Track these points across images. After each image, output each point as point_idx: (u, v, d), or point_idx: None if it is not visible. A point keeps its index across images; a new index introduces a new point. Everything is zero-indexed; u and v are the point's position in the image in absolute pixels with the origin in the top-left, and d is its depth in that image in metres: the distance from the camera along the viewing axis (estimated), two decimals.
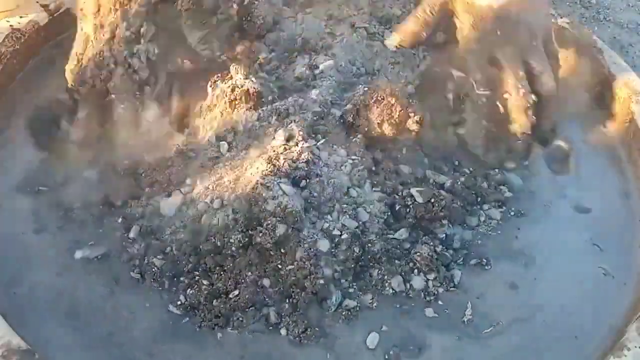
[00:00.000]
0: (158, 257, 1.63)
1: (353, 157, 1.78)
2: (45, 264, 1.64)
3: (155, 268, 1.62)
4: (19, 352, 1.35)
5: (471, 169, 1.92)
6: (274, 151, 1.74)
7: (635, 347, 1.46)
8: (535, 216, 1.84)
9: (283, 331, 1.54)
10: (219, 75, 1.91)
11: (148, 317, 1.56)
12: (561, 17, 2.26)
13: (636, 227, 1.83)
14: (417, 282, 1.65)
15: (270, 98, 1.89)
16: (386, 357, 1.52)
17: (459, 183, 1.84)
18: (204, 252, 1.63)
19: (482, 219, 1.81)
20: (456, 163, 1.94)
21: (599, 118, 2.11)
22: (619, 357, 1.45)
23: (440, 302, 1.63)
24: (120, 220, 1.73)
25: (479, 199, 1.85)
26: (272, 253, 1.63)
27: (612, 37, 2.84)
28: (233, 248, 1.62)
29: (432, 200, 1.73)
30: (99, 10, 1.77)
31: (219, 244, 1.63)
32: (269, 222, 1.61)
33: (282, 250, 1.63)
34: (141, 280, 1.61)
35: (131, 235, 1.69)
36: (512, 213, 1.84)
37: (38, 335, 1.47)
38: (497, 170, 1.92)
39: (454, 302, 1.63)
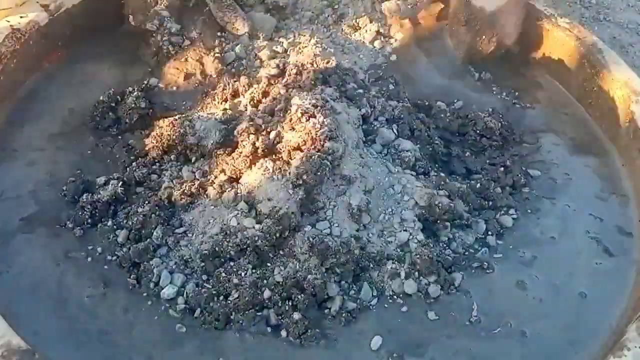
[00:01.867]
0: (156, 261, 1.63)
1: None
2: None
3: (152, 274, 1.61)
4: (19, 352, 1.34)
5: (487, 172, 1.92)
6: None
7: (635, 347, 1.46)
8: (541, 216, 1.85)
9: (283, 333, 1.54)
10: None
11: (146, 320, 1.55)
12: (561, 17, 2.26)
13: (635, 228, 1.84)
14: (418, 284, 1.65)
15: None
16: (389, 359, 1.52)
17: (465, 187, 1.83)
18: (203, 255, 1.64)
19: (491, 223, 1.80)
20: (473, 168, 1.94)
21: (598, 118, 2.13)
22: (619, 357, 1.45)
23: (440, 305, 1.63)
24: (110, 223, 1.72)
25: (489, 203, 1.85)
26: (270, 255, 1.63)
27: (612, 37, 2.83)
28: (232, 252, 1.63)
29: (436, 202, 1.73)
30: None
31: (217, 248, 1.64)
32: (265, 224, 1.62)
33: (281, 252, 1.63)
34: (137, 286, 1.61)
35: (119, 239, 1.68)
36: (525, 213, 1.84)
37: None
38: (519, 174, 1.92)
39: (455, 304, 1.63)
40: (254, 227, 1.63)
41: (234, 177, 1.75)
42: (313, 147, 1.69)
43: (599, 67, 2.11)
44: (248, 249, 1.62)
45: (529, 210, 1.86)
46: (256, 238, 1.60)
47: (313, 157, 1.66)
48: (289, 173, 1.67)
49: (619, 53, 2.40)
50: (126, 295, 1.59)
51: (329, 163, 1.68)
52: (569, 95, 2.23)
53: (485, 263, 1.71)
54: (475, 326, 1.59)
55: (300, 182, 1.65)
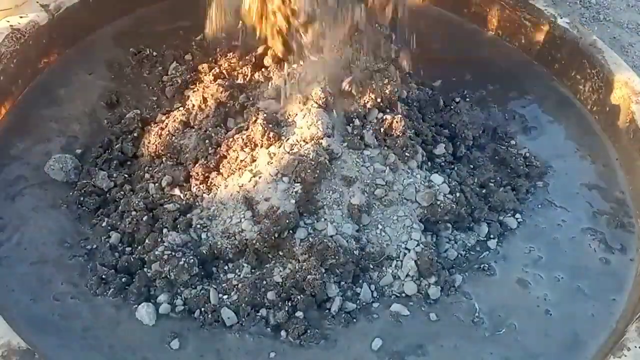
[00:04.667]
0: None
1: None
2: None
3: (147, 275, 1.61)
4: (19, 352, 1.34)
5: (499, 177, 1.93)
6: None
7: (635, 347, 1.46)
8: (543, 216, 1.85)
9: (283, 333, 1.53)
10: None
11: (141, 319, 1.54)
12: (561, 17, 2.26)
13: (636, 227, 1.84)
14: (418, 285, 1.64)
15: None
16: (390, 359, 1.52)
17: (470, 189, 1.82)
18: (202, 257, 1.63)
19: (493, 226, 1.80)
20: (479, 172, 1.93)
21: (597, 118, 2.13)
22: (619, 357, 1.45)
23: (441, 306, 1.62)
24: (104, 224, 1.71)
25: (494, 206, 1.84)
26: (270, 256, 1.63)
27: (612, 37, 2.83)
28: (230, 255, 1.63)
29: (438, 202, 1.73)
30: None
31: (215, 250, 1.64)
32: (263, 224, 1.61)
33: (280, 253, 1.63)
34: (134, 290, 1.59)
35: (111, 241, 1.67)
36: (528, 214, 1.85)
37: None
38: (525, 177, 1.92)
39: (456, 305, 1.63)
40: (252, 229, 1.63)
41: (234, 175, 1.75)
42: (312, 141, 1.69)
43: (599, 67, 2.11)
44: (247, 250, 1.62)
45: (532, 210, 1.86)
46: (254, 241, 1.60)
47: (310, 154, 1.66)
48: (288, 172, 1.67)
49: (619, 53, 2.40)
50: (122, 294, 1.58)
51: (327, 161, 1.67)
52: (569, 95, 2.23)
53: (486, 265, 1.71)
54: (478, 326, 1.59)
55: (299, 180, 1.65)
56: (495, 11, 2.37)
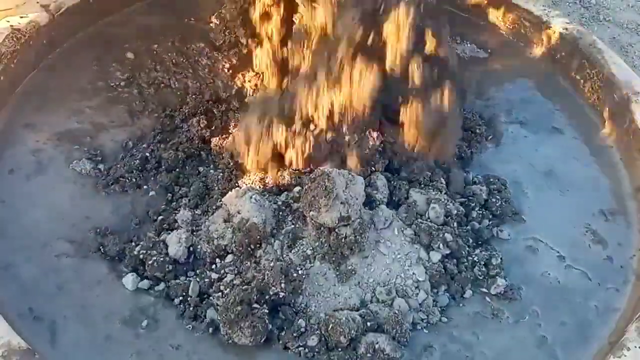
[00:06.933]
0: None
1: None
2: None
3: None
4: (19, 352, 1.35)
5: None
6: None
7: (635, 347, 1.46)
8: (544, 213, 1.86)
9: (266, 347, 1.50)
10: None
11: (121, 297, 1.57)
12: (561, 17, 2.26)
13: (635, 232, 1.84)
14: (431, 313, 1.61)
15: None
16: None
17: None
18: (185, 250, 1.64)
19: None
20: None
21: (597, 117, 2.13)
22: (619, 357, 1.45)
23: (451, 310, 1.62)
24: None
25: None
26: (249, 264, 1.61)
27: (612, 37, 2.83)
28: (208, 260, 1.63)
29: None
30: None
31: (195, 253, 1.65)
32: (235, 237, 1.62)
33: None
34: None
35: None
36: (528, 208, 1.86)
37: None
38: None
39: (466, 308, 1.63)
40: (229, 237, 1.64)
41: None
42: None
43: (599, 67, 2.11)
44: (226, 255, 1.63)
45: (531, 210, 1.87)
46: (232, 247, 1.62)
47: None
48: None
49: (619, 53, 2.40)
50: (107, 265, 1.63)
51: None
52: (569, 95, 2.23)
53: (493, 260, 1.71)
54: (499, 318, 1.61)
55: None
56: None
